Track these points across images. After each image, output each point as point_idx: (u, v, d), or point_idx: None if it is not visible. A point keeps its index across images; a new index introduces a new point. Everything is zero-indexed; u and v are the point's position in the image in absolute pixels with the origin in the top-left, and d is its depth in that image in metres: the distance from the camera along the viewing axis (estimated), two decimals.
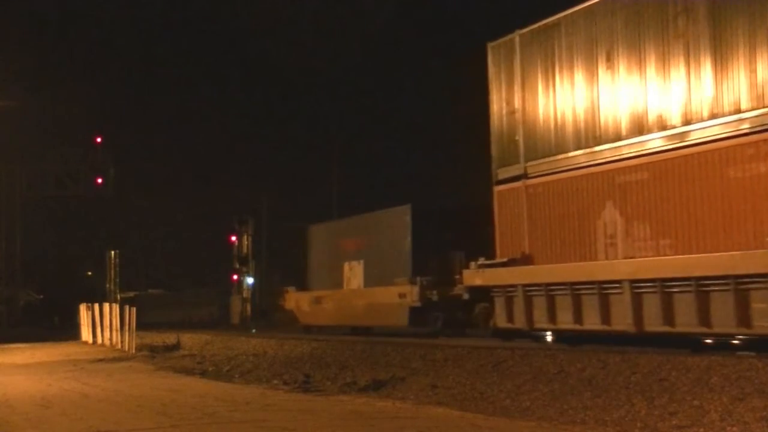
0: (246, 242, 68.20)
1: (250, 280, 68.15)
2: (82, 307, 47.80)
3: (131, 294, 69.93)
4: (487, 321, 27.98)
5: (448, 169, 68.85)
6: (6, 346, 41.38)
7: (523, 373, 18.57)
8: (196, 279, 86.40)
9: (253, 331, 47.08)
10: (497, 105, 27.24)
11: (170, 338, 37.86)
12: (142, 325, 39.23)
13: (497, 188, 27.06)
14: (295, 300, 45.42)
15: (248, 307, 67.21)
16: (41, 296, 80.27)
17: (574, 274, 23.76)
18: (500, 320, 26.45)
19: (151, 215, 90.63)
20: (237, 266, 68.26)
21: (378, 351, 24.90)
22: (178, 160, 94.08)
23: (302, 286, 45.44)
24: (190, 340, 37.29)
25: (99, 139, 66.53)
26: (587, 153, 23.97)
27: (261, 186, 76.83)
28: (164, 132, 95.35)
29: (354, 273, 39.47)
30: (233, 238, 68.67)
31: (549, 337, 29.82)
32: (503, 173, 26.88)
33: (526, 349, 21.54)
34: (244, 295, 67.57)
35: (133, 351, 34.22)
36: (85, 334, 45.87)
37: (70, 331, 49.55)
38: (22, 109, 62.71)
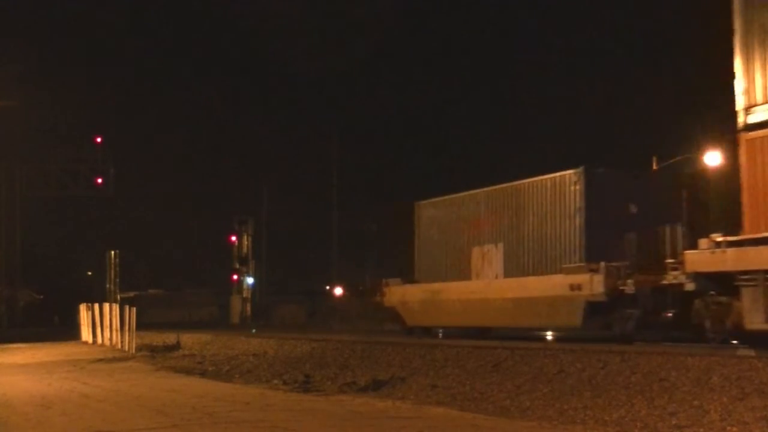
0: (246, 242, 68.27)
1: (250, 280, 68.23)
2: (82, 307, 47.82)
3: (131, 294, 69.89)
4: (721, 320, 21.49)
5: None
6: (6, 346, 41.37)
7: (523, 373, 18.56)
8: (196, 279, 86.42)
9: (253, 331, 46.98)
10: (750, 24, 20.87)
11: (170, 338, 37.85)
12: (142, 325, 39.23)
13: (746, 135, 20.57)
14: (400, 295, 35.77)
15: (248, 307, 67.30)
16: (41, 296, 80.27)
17: None
18: (752, 319, 20.02)
19: (151, 215, 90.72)
20: (237, 266, 68.33)
21: (378, 351, 24.86)
22: (178, 159, 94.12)
23: (409, 277, 36.51)
24: (190, 340, 37.27)
25: (99, 139, 66.53)
26: None
27: (261, 185, 76.88)
28: (164, 131, 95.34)
29: (489, 259, 31.27)
30: (233, 238, 68.74)
31: (548, 337, 29.71)
32: (756, 114, 20.47)
33: (526, 349, 21.45)
34: (244, 295, 67.65)
35: (133, 351, 34.21)
36: (85, 334, 45.87)
37: (70, 331, 49.55)
38: (22, 109, 62.76)
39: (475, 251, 31.91)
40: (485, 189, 32.19)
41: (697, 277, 21.73)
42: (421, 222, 35.93)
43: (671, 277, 22.88)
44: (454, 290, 32.51)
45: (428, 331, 33.60)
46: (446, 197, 34.84)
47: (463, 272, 32.49)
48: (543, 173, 29.25)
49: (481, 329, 31.77)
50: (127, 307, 36.89)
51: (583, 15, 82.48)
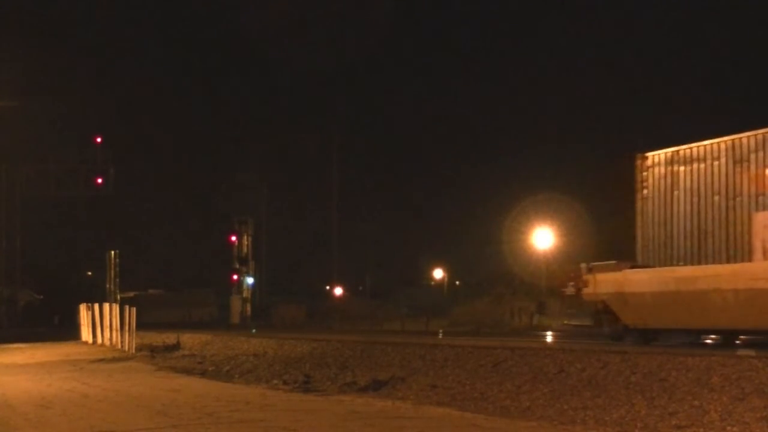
0: (246, 242, 68.31)
1: (250, 280, 68.26)
2: (82, 307, 47.86)
3: (131, 294, 69.96)
4: None
5: None
6: (6, 346, 41.38)
7: (523, 373, 18.55)
8: (196, 279, 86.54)
9: (253, 331, 46.99)
10: None
11: (170, 338, 37.86)
12: (142, 325, 39.25)
13: None
14: (615, 285, 25.68)
15: (248, 307, 67.33)
16: (41, 296, 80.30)
17: None
18: None
19: (151, 215, 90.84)
20: (237, 266, 68.38)
21: (378, 351, 24.83)
22: (177, 159, 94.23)
23: (630, 260, 27.31)
24: (190, 340, 37.27)
25: (99, 139, 66.63)
26: None
27: (261, 185, 76.94)
28: (164, 132, 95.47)
29: None
30: (233, 238, 68.78)
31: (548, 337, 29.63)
32: None
33: (526, 349, 21.42)
34: (244, 295, 67.68)
35: (133, 351, 34.23)
36: (85, 334, 45.89)
37: (70, 331, 49.59)
38: (22, 109, 62.83)
39: (760, 220, 22.80)
40: None
41: None
42: (649, 182, 26.96)
43: None
44: (724, 278, 22.15)
45: (655, 335, 24.60)
46: (698, 144, 25.41)
47: (734, 250, 23.87)
48: None
49: (733, 334, 22.73)
50: (127, 307, 36.92)
51: None
